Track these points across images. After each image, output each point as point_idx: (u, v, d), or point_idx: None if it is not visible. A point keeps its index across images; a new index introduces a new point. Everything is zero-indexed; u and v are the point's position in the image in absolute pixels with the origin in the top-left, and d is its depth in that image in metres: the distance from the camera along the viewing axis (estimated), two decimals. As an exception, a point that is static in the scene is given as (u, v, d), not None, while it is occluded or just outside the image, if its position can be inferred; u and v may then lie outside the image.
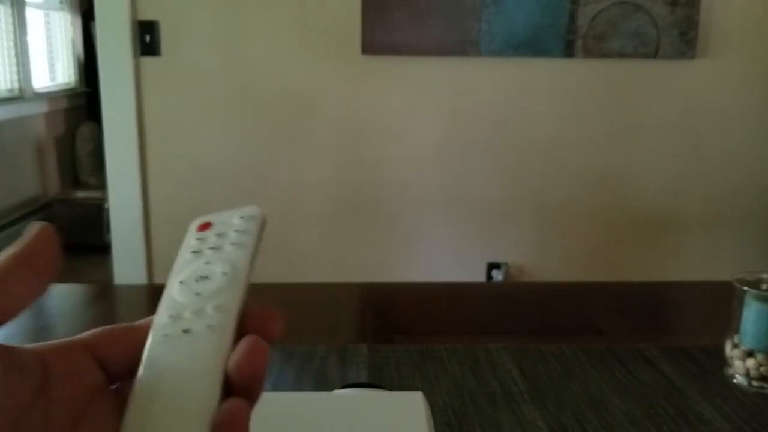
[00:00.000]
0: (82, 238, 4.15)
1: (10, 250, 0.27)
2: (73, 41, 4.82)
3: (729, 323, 0.81)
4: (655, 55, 2.28)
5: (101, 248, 4.08)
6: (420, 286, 1.22)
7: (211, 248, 0.33)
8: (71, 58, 4.82)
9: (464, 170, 2.38)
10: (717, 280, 1.07)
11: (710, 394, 0.77)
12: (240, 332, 0.29)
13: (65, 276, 3.80)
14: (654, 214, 2.43)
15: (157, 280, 2.36)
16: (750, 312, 0.78)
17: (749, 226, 2.46)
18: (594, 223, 2.43)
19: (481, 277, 2.45)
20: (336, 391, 0.61)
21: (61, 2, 4.70)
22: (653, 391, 0.78)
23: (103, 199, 4.03)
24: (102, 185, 4.15)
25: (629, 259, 2.46)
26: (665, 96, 2.35)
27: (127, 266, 2.35)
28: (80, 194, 4.31)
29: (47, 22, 4.55)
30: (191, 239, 0.34)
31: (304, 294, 1.11)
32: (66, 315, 1.02)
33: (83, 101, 4.91)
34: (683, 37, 2.26)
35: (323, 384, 0.79)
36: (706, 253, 2.46)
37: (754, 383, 0.78)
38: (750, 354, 0.79)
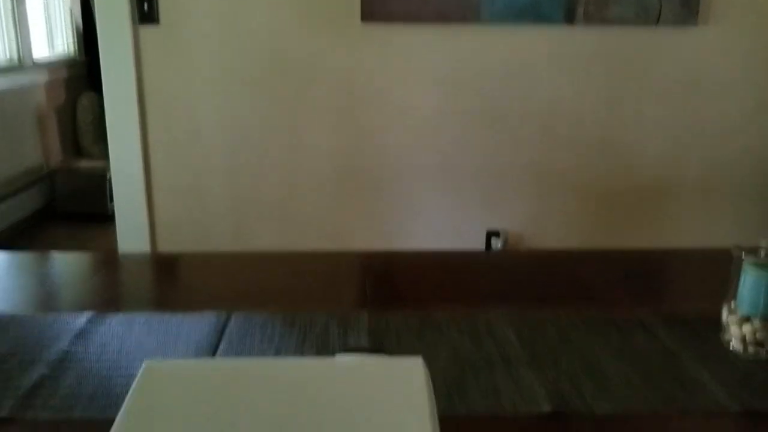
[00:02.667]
0: (86, 207, 4.17)
1: None
2: (72, 10, 4.77)
3: (726, 290, 0.82)
4: (656, 22, 2.25)
5: (105, 217, 4.10)
6: (420, 254, 1.22)
7: None
8: (70, 27, 4.78)
9: (464, 138, 2.37)
10: (715, 248, 1.07)
11: (706, 359, 0.78)
12: None
13: (70, 245, 3.84)
14: (653, 181, 2.43)
15: (161, 248, 2.37)
16: (747, 279, 0.79)
17: (748, 194, 2.46)
18: (593, 191, 2.43)
19: (480, 245, 2.46)
20: (337, 356, 0.62)
21: (58, -30, 4.64)
22: (649, 357, 0.79)
23: (106, 169, 4.04)
24: (104, 154, 4.16)
25: (628, 227, 2.46)
26: (667, 63, 2.33)
27: (130, 234, 2.36)
28: (83, 164, 4.31)
29: (45, -9, 4.50)
30: None
31: (305, 262, 1.12)
32: (71, 283, 1.03)
33: (83, 71, 4.88)
34: (685, 4, 2.23)
35: (325, 350, 0.80)
36: (705, 220, 2.47)
37: (750, 349, 0.79)
38: (746, 320, 0.80)
